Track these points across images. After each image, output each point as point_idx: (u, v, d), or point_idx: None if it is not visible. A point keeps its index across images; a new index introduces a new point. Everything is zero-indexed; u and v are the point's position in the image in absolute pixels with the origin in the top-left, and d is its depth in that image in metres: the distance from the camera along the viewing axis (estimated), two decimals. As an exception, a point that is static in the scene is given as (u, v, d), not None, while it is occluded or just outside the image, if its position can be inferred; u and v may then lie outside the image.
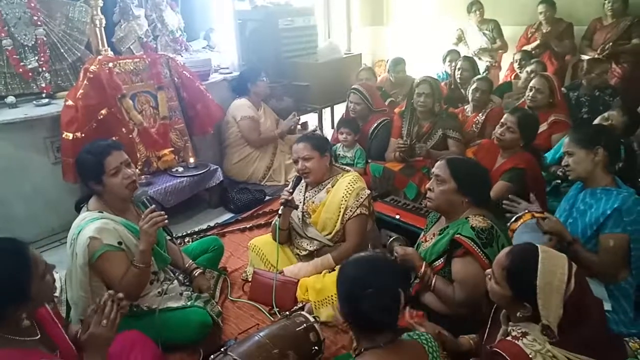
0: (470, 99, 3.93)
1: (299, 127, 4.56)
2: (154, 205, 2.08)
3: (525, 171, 2.63)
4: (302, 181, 2.62)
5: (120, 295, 1.51)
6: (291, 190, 2.53)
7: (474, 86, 3.87)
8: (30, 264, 1.35)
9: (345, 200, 2.46)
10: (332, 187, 2.54)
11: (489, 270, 1.53)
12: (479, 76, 4.20)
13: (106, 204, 2.07)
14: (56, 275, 2.53)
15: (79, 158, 2.10)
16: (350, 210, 2.46)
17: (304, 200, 2.61)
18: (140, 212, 2.14)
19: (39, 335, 1.40)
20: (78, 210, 2.10)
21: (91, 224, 1.94)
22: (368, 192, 2.55)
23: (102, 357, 1.46)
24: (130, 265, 1.98)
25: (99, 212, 2.02)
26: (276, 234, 2.58)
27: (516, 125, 2.68)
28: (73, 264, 1.97)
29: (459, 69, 4.57)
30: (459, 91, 4.56)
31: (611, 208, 1.98)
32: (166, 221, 2.02)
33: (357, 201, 2.47)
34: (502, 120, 2.78)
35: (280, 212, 2.51)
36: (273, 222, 2.67)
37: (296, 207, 2.56)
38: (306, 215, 2.60)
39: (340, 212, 2.47)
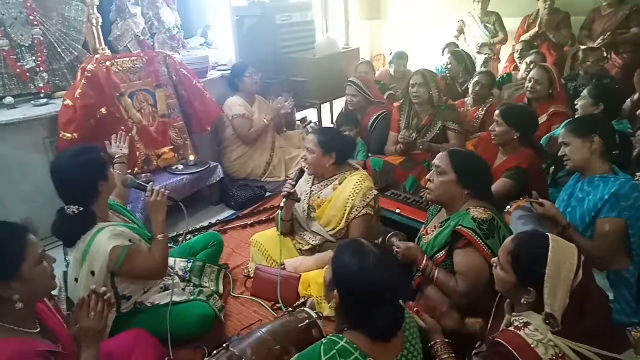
0: (470, 91, 3.92)
1: (298, 122, 4.55)
2: (151, 183, 2.25)
3: (527, 170, 2.61)
4: (306, 174, 2.62)
5: (104, 289, 1.53)
6: (294, 183, 2.53)
7: (475, 79, 3.86)
8: (23, 243, 1.36)
9: (352, 200, 2.45)
10: (340, 184, 2.53)
11: (495, 259, 1.52)
12: (481, 70, 4.18)
13: (97, 214, 2.02)
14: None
15: (76, 166, 2.02)
16: (356, 210, 2.45)
17: (310, 193, 2.61)
18: (118, 215, 2.18)
19: (39, 329, 1.41)
20: (72, 244, 1.99)
21: (101, 234, 1.92)
22: (375, 192, 2.53)
23: (96, 349, 1.47)
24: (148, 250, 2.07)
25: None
26: (279, 225, 2.58)
27: (501, 118, 2.68)
28: (83, 273, 1.93)
29: (447, 62, 4.56)
30: (453, 86, 4.55)
31: (609, 193, 1.98)
32: (167, 192, 2.19)
33: (364, 201, 2.45)
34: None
35: (282, 204, 2.52)
36: (277, 213, 2.67)
37: (298, 200, 2.57)
38: (311, 209, 2.60)
39: (345, 210, 2.46)
